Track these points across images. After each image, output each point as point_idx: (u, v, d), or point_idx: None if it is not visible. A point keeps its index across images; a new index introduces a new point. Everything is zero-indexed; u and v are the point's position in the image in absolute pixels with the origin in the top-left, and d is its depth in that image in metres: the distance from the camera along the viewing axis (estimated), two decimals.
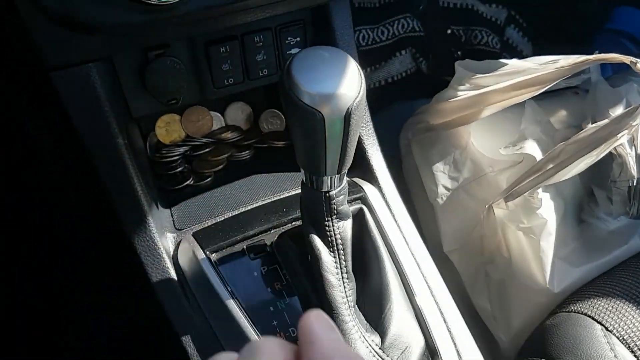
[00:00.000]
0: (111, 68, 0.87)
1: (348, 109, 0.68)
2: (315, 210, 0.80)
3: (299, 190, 0.99)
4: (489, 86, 1.16)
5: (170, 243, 0.93)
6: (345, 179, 0.80)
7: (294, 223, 0.95)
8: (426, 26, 1.98)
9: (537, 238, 1.05)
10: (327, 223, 0.80)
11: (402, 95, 1.89)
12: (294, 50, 1.01)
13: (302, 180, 0.80)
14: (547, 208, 1.07)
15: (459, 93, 1.20)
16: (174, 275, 0.89)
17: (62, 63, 0.77)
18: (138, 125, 1.10)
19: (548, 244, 1.06)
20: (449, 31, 2.00)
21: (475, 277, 1.19)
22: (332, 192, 0.78)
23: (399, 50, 1.93)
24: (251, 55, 0.98)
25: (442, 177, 1.20)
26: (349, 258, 0.82)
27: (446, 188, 1.20)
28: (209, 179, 1.08)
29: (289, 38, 1.00)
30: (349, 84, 0.68)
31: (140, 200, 0.88)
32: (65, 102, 0.79)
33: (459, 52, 1.99)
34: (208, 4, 0.75)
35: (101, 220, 1.13)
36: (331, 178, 0.77)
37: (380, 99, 1.80)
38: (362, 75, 0.70)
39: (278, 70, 1.02)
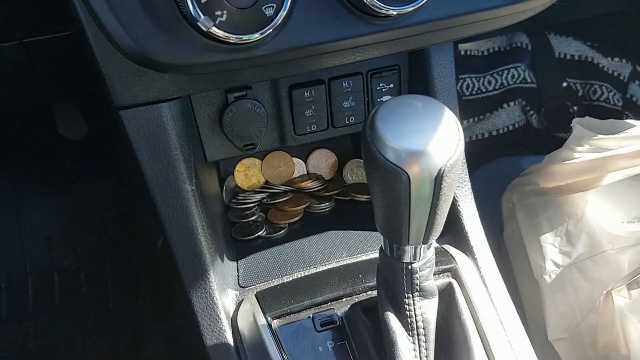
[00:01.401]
0: (187, 109, 0.81)
1: (440, 170, 0.57)
2: (394, 283, 0.70)
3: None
4: (612, 149, 1.01)
5: (231, 301, 0.85)
6: (433, 250, 0.68)
7: (369, 293, 0.84)
8: (539, 77, 1.91)
9: None
10: (407, 301, 0.69)
11: (507, 150, 1.81)
12: (386, 97, 0.92)
13: (381, 246, 0.69)
14: None
15: (576, 155, 1.07)
16: (230, 340, 0.81)
17: (132, 102, 0.72)
18: (217, 168, 1.04)
19: None
20: (564, 84, 1.90)
21: None
22: (415, 265, 0.67)
23: (507, 102, 1.87)
24: (338, 102, 0.91)
25: (552, 251, 1.06)
26: (431, 346, 0.71)
27: (556, 264, 1.05)
28: (282, 231, 1.01)
29: (381, 84, 0.92)
30: (443, 141, 0.58)
31: (203, 253, 0.81)
32: (132, 142, 0.74)
33: (575, 107, 1.90)
34: (293, 45, 0.67)
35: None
36: (415, 248, 0.66)
37: (482, 153, 1.70)
38: (461, 131, 0.59)
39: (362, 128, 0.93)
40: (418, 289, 0.69)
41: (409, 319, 0.69)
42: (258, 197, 1.06)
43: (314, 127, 0.92)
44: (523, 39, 1.89)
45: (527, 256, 1.12)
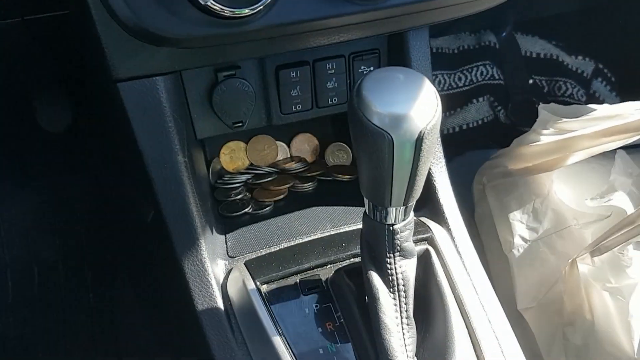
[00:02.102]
0: (179, 85, 0.85)
1: (420, 132, 0.62)
2: (377, 244, 0.74)
3: (361, 225, 0.94)
4: (575, 131, 1.07)
5: (221, 270, 0.89)
6: (412, 214, 0.73)
7: (352, 260, 0.88)
8: (506, 74, 1.95)
9: (626, 300, 0.95)
10: (388, 260, 0.74)
11: (476, 143, 1.84)
12: None
13: (365, 211, 0.74)
14: (638, 267, 0.96)
15: (542, 137, 1.13)
16: (221, 304, 0.84)
17: (130, 74, 0.76)
18: (203, 150, 1.08)
19: (638, 307, 0.94)
20: (530, 81, 1.96)
21: (552, 340, 1.07)
22: (397, 226, 0.72)
23: (476, 97, 1.91)
24: (322, 82, 0.95)
25: (520, 227, 1.12)
26: (411, 301, 0.75)
27: (523, 239, 1.11)
28: (268, 208, 1.04)
29: (362, 67, 0.97)
30: (423, 106, 0.63)
31: (194, 222, 0.85)
32: (129, 114, 0.78)
33: (540, 103, 1.93)
34: (282, 21, 0.71)
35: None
36: (396, 210, 0.71)
37: (453, 146, 1.75)
38: (439, 99, 0.64)
39: (348, 99, 0.98)
40: (399, 249, 0.73)
41: (390, 277, 0.74)
42: (244, 177, 1.10)
43: (299, 107, 0.96)
44: (491, 38, 1.95)
45: (496, 235, 1.18)
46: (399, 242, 0.73)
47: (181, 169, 0.83)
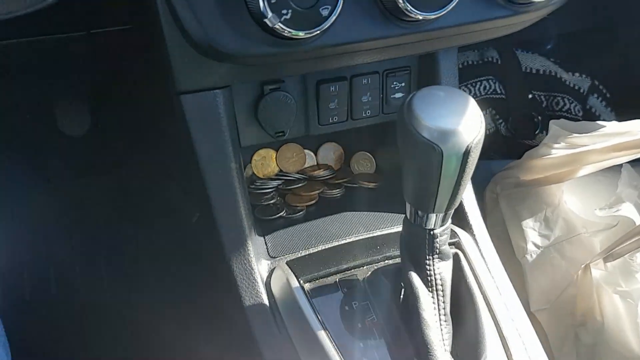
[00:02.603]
0: (231, 97, 0.91)
1: (468, 146, 0.68)
2: (417, 247, 0.80)
3: (392, 230, 1.01)
4: (585, 146, 1.15)
5: (264, 269, 0.94)
6: (450, 219, 0.79)
7: (387, 261, 0.95)
8: (507, 89, 2.01)
9: (635, 303, 1.02)
10: (427, 262, 0.79)
11: (480, 155, 1.89)
12: (398, 95, 1.04)
13: (406, 216, 0.80)
14: None
15: (553, 151, 1.20)
16: (266, 301, 0.90)
17: (192, 87, 0.82)
18: None
19: None
20: (530, 96, 2.01)
21: (564, 339, 1.14)
22: (437, 231, 0.78)
23: None
24: (357, 96, 1.02)
25: (532, 234, 1.18)
26: (448, 300, 0.81)
27: (536, 245, 1.17)
28: (301, 212, 1.10)
29: (394, 83, 1.03)
30: (470, 122, 0.69)
31: (243, 224, 0.91)
32: (189, 124, 0.84)
33: (539, 117, 2.00)
34: (335, 42, 0.78)
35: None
36: (437, 216, 0.77)
37: None
38: (482, 115, 0.71)
39: (380, 112, 1.06)
40: (437, 252, 0.79)
41: (429, 278, 0.79)
42: (275, 183, 1.16)
43: (335, 119, 1.03)
44: (493, 54, 2.02)
45: (507, 241, 1.24)
46: (437, 245, 0.78)
47: (233, 175, 0.89)
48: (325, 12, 0.73)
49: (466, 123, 0.69)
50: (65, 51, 0.89)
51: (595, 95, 2.03)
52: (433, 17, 0.79)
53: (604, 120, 2.02)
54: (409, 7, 0.77)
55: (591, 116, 1.99)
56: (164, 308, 1.37)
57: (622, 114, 2.02)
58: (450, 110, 0.70)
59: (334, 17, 0.74)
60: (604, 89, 2.05)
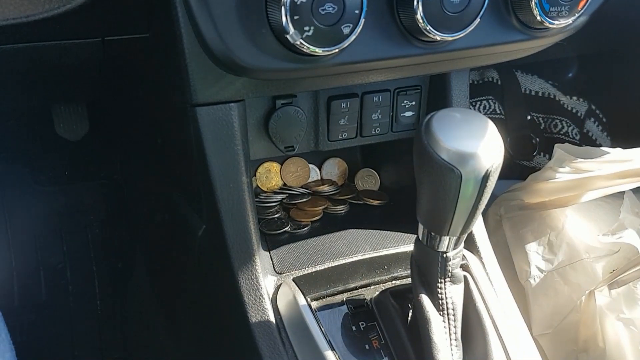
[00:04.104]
0: (244, 111, 0.91)
1: (487, 170, 0.68)
2: (429, 269, 0.79)
3: (399, 249, 1.00)
4: (590, 171, 1.15)
5: (270, 285, 0.93)
6: (463, 243, 0.79)
7: (394, 282, 0.94)
8: (506, 110, 2.02)
9: (638, 330, 1.02)
10: (439, 285, 0.79)
11: None
12: (408, 113, 1.04)
13: (417, 237, 0.79)
14: None
15: (558, 175, 1.20)
16: (272, 317, 0.88)
17: (208, 100, 0.81)
18: None
19: None
20: (529, 117, 2.03)
21: None
22: (449, 254, 0.77)
23: None
24: (368, 114, 1.02)
25: (536, 258, 1.18)
26: (459, 324, 0.80)
27: (539, 269, 1.17)
28: (305, 228, 1.09)
29: (405, 101, 1.03)
30: (490, 146, 0.69)
31: (251, 239, 0.90)
32: (203, 136, 0.83)
33: (537, 139, 2.01)
34: (353, 59, 0.78)
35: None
36: (450, 239, 0.76)
37: None
38: (502, 140, 0.71)
39: (389, 130, 1.05)
40: (449, 276, 0.78)
41: (440, 301, 0.78)
42: (279, 197, 1.16)
43: (344, 135, 1.02)
44: (494, 75, 2.04)
45: (511, 262, 1.24)
46: (450, 269, 0.78)
47: (244, 189, 0.88)
48: (346, 30, 0.73)
49: (486, 147, 0.69)
50: (72, 56, 0.87)
51: (592, 119, 2.05)
52: (451, 38, 0.79)
53: (600, 144, 2.04)
54: (429, 27, 0.77)
55: (588, 140, 2.00)
56: (161, 319, 1.35)
57: (618, 139, 2.06)
58: (470, 133, 0.70)
59: (354, 36, 0.73)
60: (601, 114, 2.07)
